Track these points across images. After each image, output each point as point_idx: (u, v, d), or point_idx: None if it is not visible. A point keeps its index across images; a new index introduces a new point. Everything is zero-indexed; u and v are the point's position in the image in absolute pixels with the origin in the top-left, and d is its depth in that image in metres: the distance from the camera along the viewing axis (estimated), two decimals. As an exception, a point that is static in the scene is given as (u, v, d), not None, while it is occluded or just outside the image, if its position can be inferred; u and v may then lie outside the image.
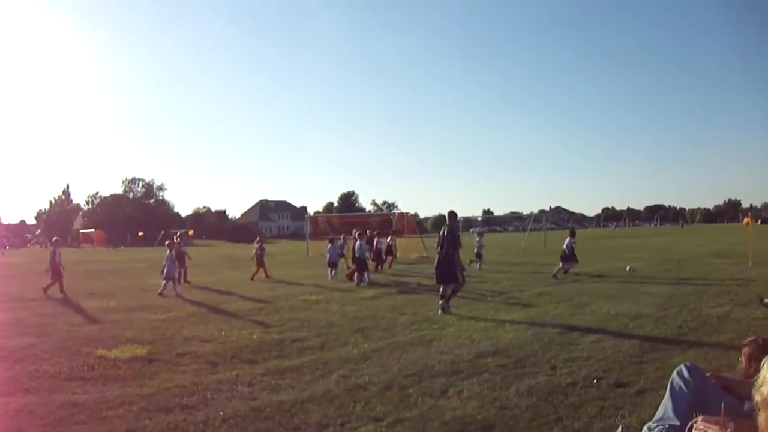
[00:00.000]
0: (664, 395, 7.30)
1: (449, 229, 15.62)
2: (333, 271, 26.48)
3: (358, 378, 8.62)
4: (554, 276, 23.56)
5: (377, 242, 31.41)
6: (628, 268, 25.99)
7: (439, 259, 15.68)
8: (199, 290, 21.93)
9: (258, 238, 31.15)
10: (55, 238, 24.53)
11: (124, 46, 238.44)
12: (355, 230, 26.84)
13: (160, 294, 20.16)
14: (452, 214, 16.20)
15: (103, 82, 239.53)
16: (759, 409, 2.84)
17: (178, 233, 26.34)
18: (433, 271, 16.15)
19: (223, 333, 12.69)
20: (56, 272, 21.55)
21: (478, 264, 29.29)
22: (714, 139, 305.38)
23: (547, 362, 9.35)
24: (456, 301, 16.21)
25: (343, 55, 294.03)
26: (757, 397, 2.86)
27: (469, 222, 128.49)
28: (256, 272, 27.78)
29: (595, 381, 8.09)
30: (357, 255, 24.46)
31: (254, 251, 28.78)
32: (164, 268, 21.24)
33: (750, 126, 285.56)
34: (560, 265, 24.31)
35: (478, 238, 30.69)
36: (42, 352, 10.95)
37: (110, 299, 19.41)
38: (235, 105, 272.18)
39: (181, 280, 24.30)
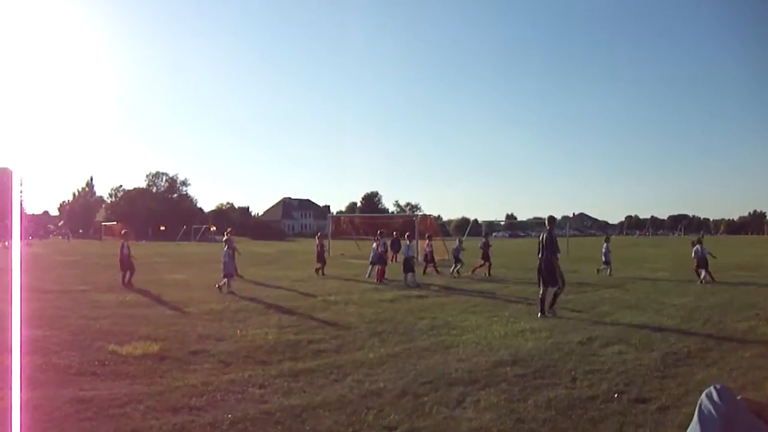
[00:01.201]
0: (685, 412, 7.13)
1: (548, 235, 15.87)
2: (371, 269, 26.70)
3: (373, 384, 8.44)
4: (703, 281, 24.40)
5: (428, 244, 31.27)
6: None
7: (540, 264, 15.87)
8: (218, 287, 21.77)
9: (319, 234, 31.70)
10: (125, 231, 25.03)
11: (152, 42, 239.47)
12: (406, 233, 27.60)
13: (230, 293, 19.74)
14: (552, 219, 16.45)
15: (130, 76, 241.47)
16: None
17: (230, 229, 26.93)
18: (536, 275, 16.24)
19: (238, 332, 12.51)
20: (126, 264, 22.48)
21: (608, 270, 28.77)
22: (740, 150, 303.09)
23: (567, 374, 9.13)
24: (476, 307, 16.30)
25: (370, 56, 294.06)
26: None
27: (491, 226, 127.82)
28: (322, 267, 28.09)
29: (616, 395, 7.86)
30: (405, 256, 24.50)
31: (316, 248, 29.02)
32: (223, 265, 21.06)
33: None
34: (703, 273, 24.94)
35: (605, 244, 30.25)
36: (53, 344, 10.85)
37: (127, 293, 19.45)
38: (261, 102, 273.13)
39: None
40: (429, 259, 30.36)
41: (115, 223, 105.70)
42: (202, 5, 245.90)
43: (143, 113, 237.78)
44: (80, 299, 17.72)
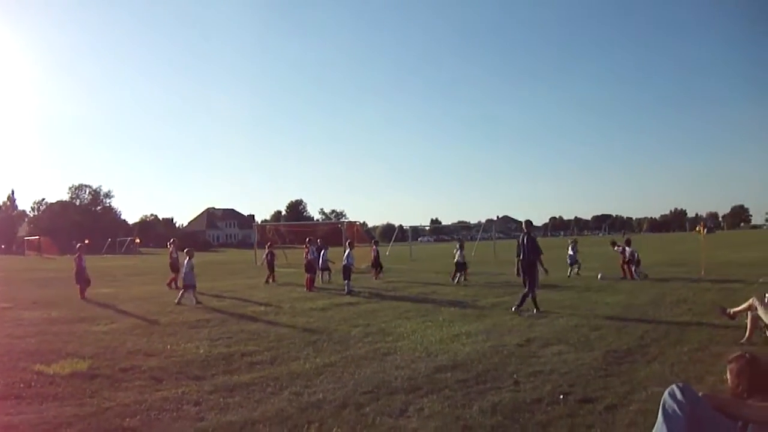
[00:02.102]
0: (632, 410, 7.04)
1: (529, 237, 16.72)
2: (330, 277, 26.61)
3: (312, 396, 8.20)
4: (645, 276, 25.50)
5: (374, 250, 31.75)
6: (599, 276, 26.15)
7: (522, 266, 16.66)
8: (143, 300, 21.23)
9: (269, 243, 31.53)
10: (79, 244, 24.77)
11: (73, 51, 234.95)
12: (348, 240, 27.79)
13: (179, 303, 19.68)
14: (529, 223, 17.47)
15: (50, 86, 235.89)
16: None
17: (172, 240, 27.02)
18: (518, 276, 17.10)
19: (169, 346, 12.14)
20: (82, 277, 23.06)
21: (578, 268, 29.00)
22: (660, 150, 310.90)
23: (509, 376, 9.03)
24: (409, 313, 16.60)
25: (291, 65, 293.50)
26: None
27: (416, 231, 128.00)
28: (270, 276, 28.46)
29: (561, 396, 7.77)
30: (345, 263, 24.37)
31: (265, 256, 29.44)
32: (182, 275, 20.90)
33: (696, 139, 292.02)
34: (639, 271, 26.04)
35: (571, 245, 30.10)
36: (-25, 367, 10.33)
37: (52, 309, 18.72)
38: (182, 112, 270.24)
39: (173, 286, 25.43)
40: (375, 264, 30.78)
41: (37, 237, 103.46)
42: (118, 17, 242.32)
43: (64, 125, 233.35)
44: (3, 317, 17.09)
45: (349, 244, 25.98)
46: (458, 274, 27.24)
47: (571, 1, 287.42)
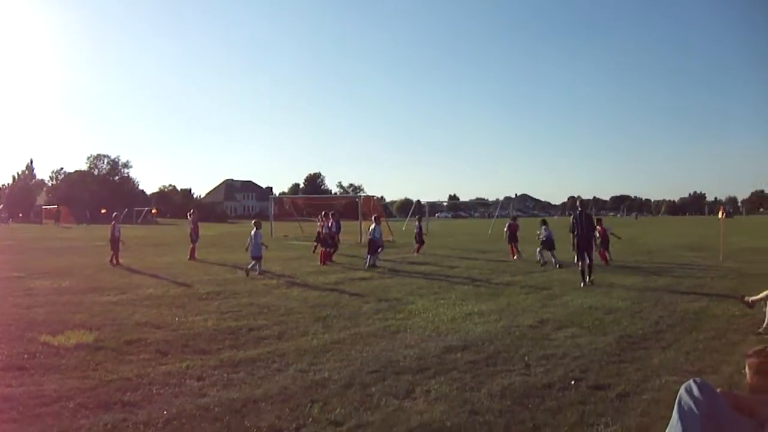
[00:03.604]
0: (645, 399, 6.83)
1: (585, 214, 18.20)
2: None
3: (317, 373, 8.03)
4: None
5: (417, 226, 31.71)
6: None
7: (577, 240, 17.72)
8: (157, 270, 21.16)
9: (324, 213, 30.03)
10: (115, 213, 26.43)
11: (91, 22, 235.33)
12: (374, 215, 28.00)
13: (247, 273, 19.95)
14: (583, 201, 19.17)
15: (69, 56, 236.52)
16: None
17: (192, 210, 27.07)
18: (573, 251, 18.00)
19: (177, 319, 12.03)
20: (116, 244, 24.31)
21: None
22: (680, 133, 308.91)
23: (520, 359, 8.83)
24: (422, 290, 16.52)
25: (310, 37, 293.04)
26: None
27: (434, 207, 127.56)
28: (323, 251, 27.41)
29: (573, 382, 7.57)
30: (371, 237, 24.30)
31: (318, 229, 28.54)
32: (249, 247, 21.14)
33: (716, 122, 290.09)
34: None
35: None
36: (-20, 336, 10.22)
37: (64, 279, 18.68)
38: (202, 83, 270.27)
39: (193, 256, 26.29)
40: (419, 239, 30.54)
41: (55, 207, 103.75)
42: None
43: (83, 95, 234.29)
44: (14, 286, 17.01)
45: (375, 218, 25.59)
46: (547, 252, 25.42)
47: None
